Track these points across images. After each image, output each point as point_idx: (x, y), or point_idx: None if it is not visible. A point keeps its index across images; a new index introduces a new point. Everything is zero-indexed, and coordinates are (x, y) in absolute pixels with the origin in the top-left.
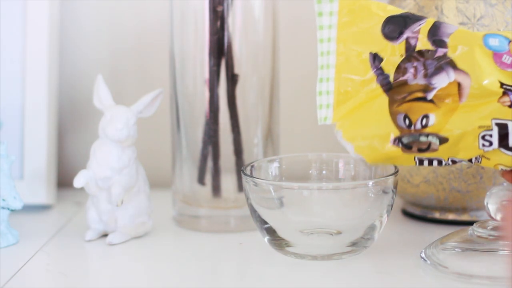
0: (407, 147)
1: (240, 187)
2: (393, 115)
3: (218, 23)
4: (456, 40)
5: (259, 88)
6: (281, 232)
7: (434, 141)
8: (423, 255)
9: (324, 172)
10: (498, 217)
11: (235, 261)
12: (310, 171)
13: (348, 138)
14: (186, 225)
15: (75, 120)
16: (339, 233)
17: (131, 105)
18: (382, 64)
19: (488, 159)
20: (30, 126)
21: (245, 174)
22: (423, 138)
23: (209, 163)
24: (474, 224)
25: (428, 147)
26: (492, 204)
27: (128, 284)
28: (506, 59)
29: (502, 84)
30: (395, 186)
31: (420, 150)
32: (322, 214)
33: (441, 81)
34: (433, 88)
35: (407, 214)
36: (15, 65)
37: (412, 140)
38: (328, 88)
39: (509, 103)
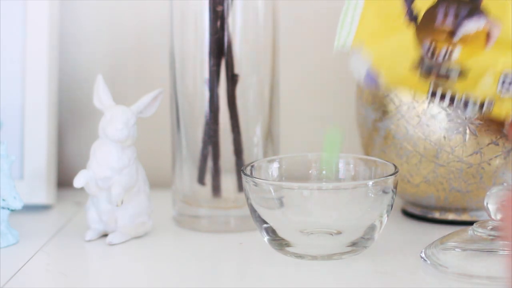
0: (427, 71)
1: (240, 187)
2: (419, 41)
3: (218, 23)
4: None
5: (259, 88)
6: (281, 232)
7: (454, 72)
8: (423, 255)
9: (324, 172)
10: (498, 217)
11: (235, 261)
12: (310, 171)
13: (367, 52)
14: (186, 225)
15: (75, 120)
16: (339, 233)
17: (131, 105)
18: (414, 4)
19: (501, 104)
20: (30, 126)
21: (245, 174)
22: (443, 69)
23: (209, 163)
24: (474, 224)
25: (446, 77)
26: (492, 204)
27: (128, 284)
28: None
29: None
30: (395, 186)
31: (439, 77)
32: (322, 214)
33: (471, 26)
34: (462, 31)
35: (407, 214)
36: (15, 65)
37: (431, 67)
38: (354, 16)
39: None
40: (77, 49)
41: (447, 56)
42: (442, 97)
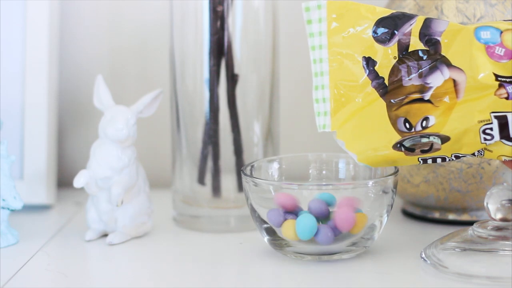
0: (410, 150)
1: (240, 187)
2: (393, 119)
3: (218, 23)
4: (448, 37)
5: (259, 88)
6: (281, 232)
7: (436, 141)
8: (423, 255)
9: (324, 172)
10: (498, 217)
11: (235, 261)
12: (310, 171)
13: (350, 149)
14: (186, 225)
15: (75, 120)
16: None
17: (131, 105)
18: (376, 68)
19: (491, 151)
20: (30, 126)
21: (245, 174)
22: (424, 139)
23: (209, 163)
24: (474, 224)
25: (430, 148)
26: (492, 204)
27: (128, 284)
28: (499, 50)
29: (497, 77)
30: (395, 186)
31: (423, 151)
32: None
33: (436, 79)
34: (430, 88)
35: (407, 214)
36: (15, 65)
37: (414, 142)
38: (324, 95)
39: (506, 95)
40: (77, 49)
41: (424, 125)
42: (434, 160)
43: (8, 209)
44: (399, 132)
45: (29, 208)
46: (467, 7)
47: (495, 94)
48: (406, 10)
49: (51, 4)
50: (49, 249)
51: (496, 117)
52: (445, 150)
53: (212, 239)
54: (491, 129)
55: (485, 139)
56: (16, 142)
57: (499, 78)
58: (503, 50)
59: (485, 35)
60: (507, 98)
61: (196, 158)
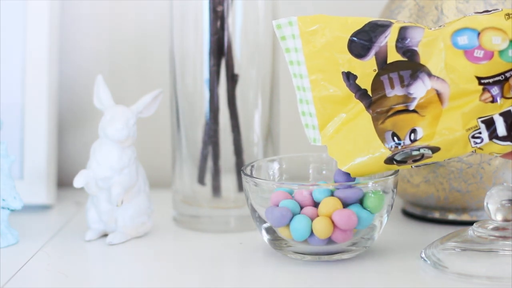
0: (402, 162)
1: (240, 187)
2: (380, 134)
3: (218, 23)
4: (425, 46)
5: (259, 88)
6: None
7: (427, 152)
8: (423, 255)
9: (324, 172)
10: (498, 217)
11: (235, 261)
12: (310, 171)
13: (343, 166)
14: (186, 225)
15: (75, 120)
16: None
17: (131, 105)
18: (357, 81)
19: (482, 149)
20: (30, 126)
21: (245, 174)
22: (415, 152)
23: (209, 163)
24: (474, 224)
25: (422, 157)
26: (492, 204)
27: (128, 284)
28: (478, 53)
29: (479, 80)
30: (395, 186)
31: (415, 161)
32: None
33: (419, 90)
34: (413, 99)
35: (407, 214)
36: (15, 65)
37: (405, 156)
38: (310, 110)
39: (491, 99)
40: (77, 48)
41: (412, 138)
42: (427, 163)
43: (8, 209)
44: (389, 148)
45: (29, 208)
46: (467, 7)
47: (480, 100)
48: (406, 10)
49: (51, 4)
50: (49, 249)
51: (483, 121)
52: (437, 157)
53: (212, 239)
54: (479, 133)
55: (475, 143)
56: (16, 142)
57: (482, 81)
58: (482, 52)
59: (462, 40)
60: (492, 102)
61: (196, 158)
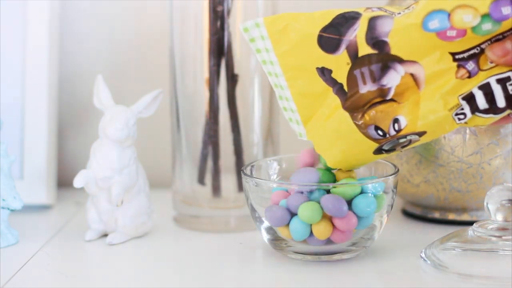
0: (390, 151)
1: (240, 187)
2: (363, 129)
3: (218, 23)
4: (396, 35)
5: (259, 88)
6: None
7: (414, 137)
8: (423, 255)
9: None
10: (498, 217)
11: (235, 261)
12: None
13: (332, 165)
14: (186, 225)
15: (75, 120)
16: None
17: (131, 105)
18: (333, 75)
19: (466, 123)
20: (30, 126)
21: (245, 174)
22: (402, 139)
23: (209, 163)
24: (474, 224)
25: (409, 143)
26: (492, 204)
27: (128, 284)
28: (450, 33)
29: (454, 56)
30: (395, 186)
31: (404, 147)
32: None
33: (393, 79)
34: (389, 89)
35: (407, 214)
36: (15, 65)
37: (393, 145)
38: (290, 106)
39: (467, 75)
40: (77, 48)
41: (396, 128)
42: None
43: (8, 209)
44: (374, 140)
45: (29, 208)
46: None
47: (457, 78)
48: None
49: (51, 4)
50: (49, 249)
51: (463, 98)
52: (424, 139)
53: (212, 239)
54: (462, 109)
55: (459, 119)
56: (16, 142)
57: (457, 56)
58: (455, 31)
59: (433, 25)
60: (469, 77)
61: (196, 158)
